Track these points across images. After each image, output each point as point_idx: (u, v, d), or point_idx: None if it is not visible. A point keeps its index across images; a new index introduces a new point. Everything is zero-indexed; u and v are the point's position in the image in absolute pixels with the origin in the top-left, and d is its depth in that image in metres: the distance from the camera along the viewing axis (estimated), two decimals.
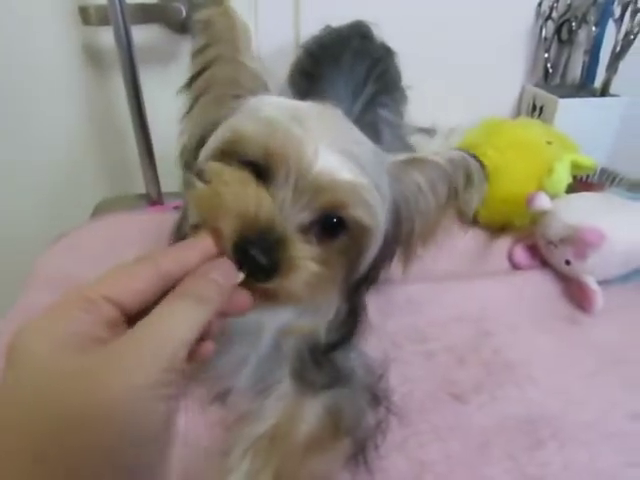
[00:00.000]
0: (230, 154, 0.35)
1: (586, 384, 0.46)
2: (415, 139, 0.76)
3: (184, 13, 0.83)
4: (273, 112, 0.35)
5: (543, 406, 0.43)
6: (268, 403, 0.40)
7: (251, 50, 0.40)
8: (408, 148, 0.73)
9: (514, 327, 0.52)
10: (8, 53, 0.83)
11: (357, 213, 0.35)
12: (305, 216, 0.33)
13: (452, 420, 0.42)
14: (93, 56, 0.87)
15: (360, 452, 0.38)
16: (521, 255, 0.62)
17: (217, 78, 0.40)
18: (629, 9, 0.76)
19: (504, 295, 0.56)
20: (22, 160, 0.88)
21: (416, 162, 0.40)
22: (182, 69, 0.93)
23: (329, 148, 0.33)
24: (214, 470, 0.36)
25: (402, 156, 0.40)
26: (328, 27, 0.66)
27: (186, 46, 0.89)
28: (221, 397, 0.42)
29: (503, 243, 0.65)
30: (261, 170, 0.34)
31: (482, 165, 0.40)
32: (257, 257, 0.30)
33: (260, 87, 0.39)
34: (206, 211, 0.33)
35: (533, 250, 0.63)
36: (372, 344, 0.47)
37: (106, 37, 0.84)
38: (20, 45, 0.84)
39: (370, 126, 0.61)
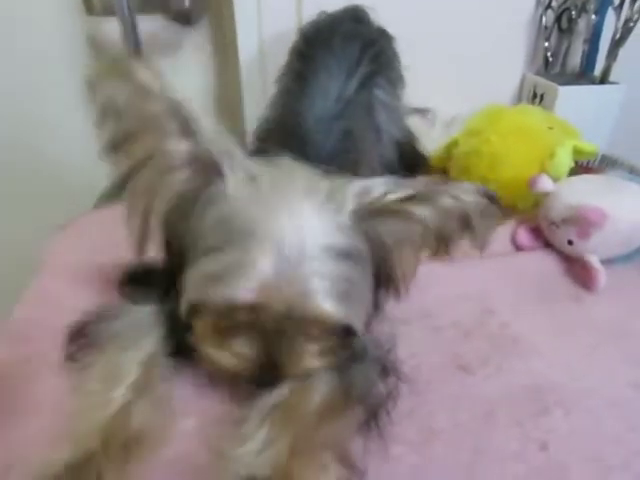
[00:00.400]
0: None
1: (589, 356, 0.46)
2: (412, 121, 0.77)
3: (187, 3, 0.84)
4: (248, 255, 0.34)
5: (547, 376, 0.44)
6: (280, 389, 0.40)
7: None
8: (404, 130, 0.74)
9: (518, 304, 0.53)
10: (11, 44, 0.84)
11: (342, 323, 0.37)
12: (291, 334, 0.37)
13: (459, 390, 0.43)
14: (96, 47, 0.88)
15: (372, 419, 0.38)
16: (524, 237, 0.63)
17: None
18: None
19: (507, 274, 0.57)
20: (25, 145, 0.89)
21: (388, 212, 0.38)
22: (184, 60, 0.94)
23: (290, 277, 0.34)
24: (230, 439, 0.37)
25: (370, 203, 0.37)
26: (323, 12, 0.67)
27: (188, 37, 0.91)
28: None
29: (506, 226, 0.66)
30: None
31: (492, 198, 0.38)
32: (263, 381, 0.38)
33: (213, 174, 0.36)
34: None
35: (536, 232, 0.64)
36: (379, 321, 0.48)
37: (109, 27, 0.85)
38: (23, 36, 0.85)
39: (365, 106, 0.62)
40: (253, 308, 0.35)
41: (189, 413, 0.40)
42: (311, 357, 0.38)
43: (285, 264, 0.34)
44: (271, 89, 0.70)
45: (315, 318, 0.36)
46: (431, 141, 0.81)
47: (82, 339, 0.44)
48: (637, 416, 0.40)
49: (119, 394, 0.39)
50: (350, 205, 0.37)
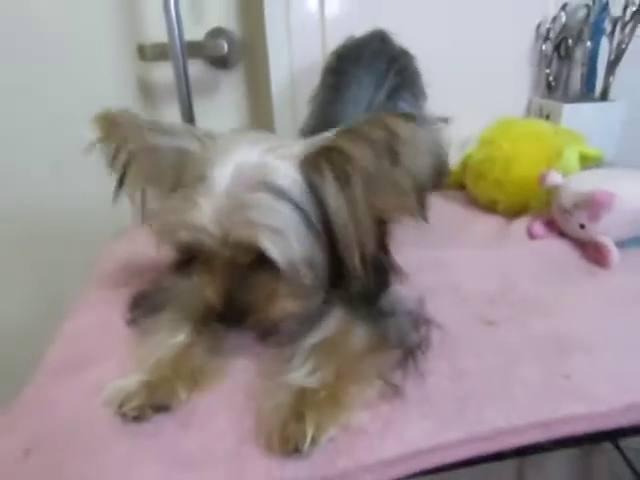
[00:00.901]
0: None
1: (608, 314, 0.50)
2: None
3: (226, 49, 0.96)
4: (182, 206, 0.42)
5: (567, 328, 0.48)
6: (323, 322, 0.45)
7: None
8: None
9: (537, 279, 0.57)
10: (70, 86, 0.96)
11: (255, 247, 0.40)
12: (243, 265, 0.42)
13: (485, 339, 0.47)
14: (146, 89, 1.00)
15: (409, 356, 0.42)
16: (539, 228, 0.68)
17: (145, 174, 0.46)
18: (619, 24, 0.87)
19: (526, 256, 0.62)
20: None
21: (327, 152, 0.42)
22: (221, 100, 1.05)
23: (218, 209, 0.40)
24: (280, 369, 0.41)
25: (312, 149, 0.42)
26: (351, 37, 0.76)
27: (225, 79, 1.02)
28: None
29: (522, 223, 0.72)
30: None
31: (408, 117, 0.40)
32: (228, 317, 0.43)
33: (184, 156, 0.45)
34: None
35: (550, 224, 0.69)
36: (408, 290, 0.52)
37: (158, 72, 0.98)
38: (83, 79, 0.96)
39: None
40: (202, 242, 0.41)
41: (241, 355, 0.45)
42: (271, 297, 0.43)
43: (224, 199, 0.40)
44: (300, 122, 0.79)
45: (248, 245, 0.40)
46: (450, 158, 0.89)
47: (142, 307, 0.51)
48: None
49: (181, 339, 0.45)
50: (294, 155, 0.42)
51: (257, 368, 0.44)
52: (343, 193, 0.41)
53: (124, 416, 0.38)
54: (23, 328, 1.08)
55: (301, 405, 0.36)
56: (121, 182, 0.47)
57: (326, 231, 0.42)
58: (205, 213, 0.40)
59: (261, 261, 0.41)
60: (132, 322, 0.51)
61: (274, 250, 0.40)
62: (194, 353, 0.44)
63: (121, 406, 0.38)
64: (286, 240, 0.40)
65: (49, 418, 0.39)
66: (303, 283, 0.43)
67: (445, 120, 0.82)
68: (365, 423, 0.37)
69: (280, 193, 0.41)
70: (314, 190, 0.42)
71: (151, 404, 0.38)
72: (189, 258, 0.45)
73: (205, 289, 0.44)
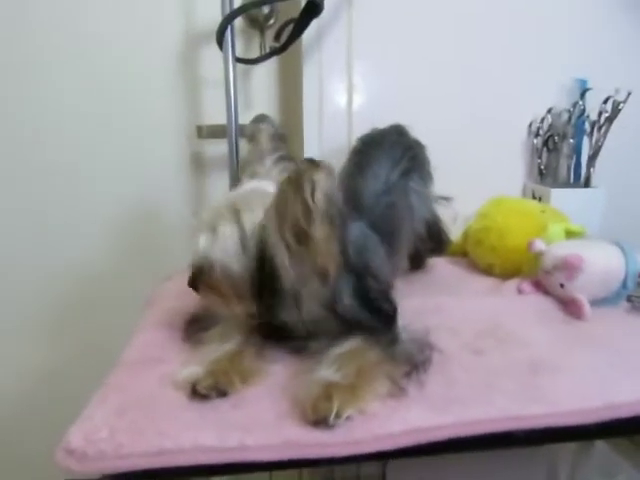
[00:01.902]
0: None
1: (575, 350, 0.61)
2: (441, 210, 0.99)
3: None
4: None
5: (542, 357, 0.59)
6: (346, 341, 0.57)
7: None
8: (431, 212, 0.95)
9: (521, 322, 0.69)
10: (135, 160, 1.16)
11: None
12: None
13: (473, 362, 0.58)
14: (199, 162, 1.19)
15: (414, 370, 0.54)
16: (527, 286, 0.81)
17: None
18: (596, 126, 1.04)
19: (513, 305, 0.75)
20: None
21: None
22: None
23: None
24: (308, 372, 0.53)
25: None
26: (375, 128, 0.94)
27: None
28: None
29: (513, 282, 0.84)
30: None
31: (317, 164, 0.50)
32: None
33: None
34: None
35: (537, 284, 0.81)
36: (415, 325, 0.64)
37: (212, 148, 1.17)
38: (147, 153, 1.17)
39: (403, 191, 0.84)
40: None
41: (279, 361, 0.57)
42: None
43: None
44: None
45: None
46: (454, 232, 1.03)
47: (194, 326, 0.64)
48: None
49: (230, 346, 0.57)
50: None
51: (292, 370, 0.56)
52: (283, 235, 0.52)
53: (195, 393, 0.50)
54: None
55: (329, 390, 0.48)
56: None
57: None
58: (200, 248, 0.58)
59: None
60: (187, 337, 0.64)
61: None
62: (243, 356, 0.56)
63: (194, 385, 0.50)
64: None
65: (131, 394, 0.51)
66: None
67: (447, 199, 0.98)
68: (377, 410, 0.48)
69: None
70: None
71: (216, 388, 0.50)
72: None
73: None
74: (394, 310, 0.62)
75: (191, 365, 0.54)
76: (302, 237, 0.50)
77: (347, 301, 0.58)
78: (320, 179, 0.49)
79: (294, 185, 0.50)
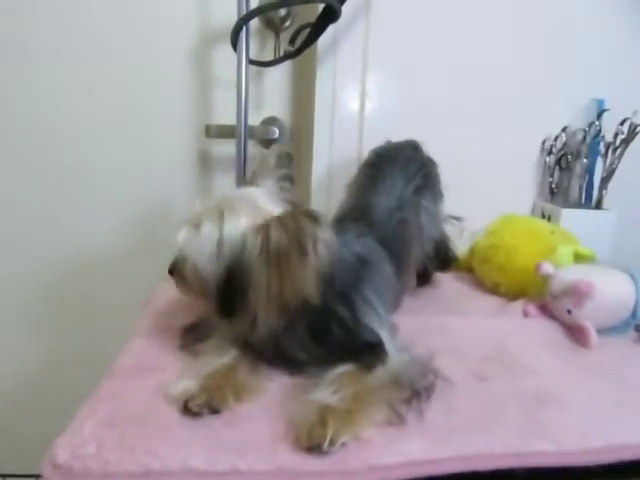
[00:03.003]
0: None
1: (581, 381, 0.60)
2: (449, 228, 0.98)
3: (277, 134, 1.14)
4: None
5: (547, 387, 0.57)
6: (345, 365, 0.55)
7: None
8: (440, 232, 0.93)
9: (526, 348, 0.67)
10: (144, 157, 1.15)
11: None
12: None
13: (477, 390, 0.56)
14: (206, 161, 1.18)
15: (415, 397, 0.52)
16: (533, 310, 0.79)
17: None
18: (611, 147, 1.02)
19: (518, 329, 0.73)
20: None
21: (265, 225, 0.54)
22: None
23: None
24: (305, 392, 0.52)
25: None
26: (389, 141, 0.92)
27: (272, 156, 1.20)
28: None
29: (519, 304, 0.82)
30: None
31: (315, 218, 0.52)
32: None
33: None
34: None
35: (543, 308, 0.79)
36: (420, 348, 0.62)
37: (219, 147, 1.16)
38: (155, 151, 1.15)
39: (414, 208, 0.83)
40: None
41: (276, 378, 0.56)
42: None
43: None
44: (335, 203, 0.93)
45: None
46: (460, 247, 1.01)
47: (191, 335, 0.63)
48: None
49: (225, 360, 0.56)
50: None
51: (287, 389, 0.54)
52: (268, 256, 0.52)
53: (187, 410, 0.48)
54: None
55: (325, 414, 0.46)
56: None
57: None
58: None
59: None
60: (184, 346, 0.62)
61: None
62: (238, 371, 0.54)
63: (186, 402, 0.48)
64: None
65: (123, 405, 0.50)
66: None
67: (458, 219, 0.96)
68: (373, 437, 0.47)
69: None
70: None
71: (208, 405, 0.49)
72: None
73: None
74: (378, 340, 0.59)
75: (185, 379, 0.52)
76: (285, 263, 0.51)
77: (336, 330, 0.57)
78: (323, 235, 0.51)
79: (296, 243, 0.51)
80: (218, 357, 0.57)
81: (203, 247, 0.56)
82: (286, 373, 0.57)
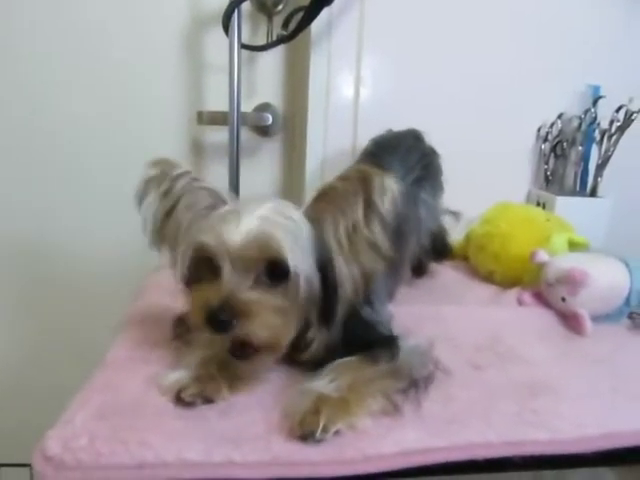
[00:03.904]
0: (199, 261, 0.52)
1: (575, 369, 0.60)
2: (446, 219, 0.97)
3: (270, 121, 1.12)
4: (214, 220, 0.51)
5: (541, 376, 0.57)
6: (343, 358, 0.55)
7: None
8: (438, 224, 0.93)
9: (521, 337, 0.67)
10: (134, 145, 1.12)
11: (273, 254, 0.48)
12: (249, 276, 0.49)
13: (472, 379, 0.56)
14: (199, 148, 1.16)
15: (413, 387, 0.52)
16: (528, 298, 0.79)
17: (181, 214, 0.54)
18: (606, 134, 1.02)
19: (513, 317, 0.73)
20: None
21: (322, 195, 0.52)
22: (262, 163, 1.20)
23: (247, 223, 0.49)
24: (305, 380, 0.51)
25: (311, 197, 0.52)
26: (390, 130, 0.91)
27: (266, 146, 1.18)
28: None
29: (514, 292, 0.82)
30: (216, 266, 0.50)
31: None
32: (219, 316, 0.47)
33: (218, 201, 0.55)
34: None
35: (538, 296, 0.79)
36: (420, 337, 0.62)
37: (212, 134, 1.14)
38: (146, 137, 1.13)
39: (413, 200, 0.81)
40: (212, 255, 0.49)
41: (271, 370, 0.55)
42: (263, 307, 0.48)
43: (249, 217, 0.49)
44: None
45: (250, 245, 0.48)
46: (455, 234, 1.01)
47: (184, 325, 0.61)
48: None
49: (219, 350, 0.55)
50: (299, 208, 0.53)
51: (284, 379, 0.54)
52: (337, 230, 0.50)
53: (180, 401, 0.48)
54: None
55: (318, 403, 0.46)
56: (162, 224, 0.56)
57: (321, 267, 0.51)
58: (231, 222, 0.49)
59: (268, 274, 0.49)
60: (176, 337, 0.61)
61: (290, 255, 0.48)
62: (232, 361, 0.54)
63: (179, 392, 0.48)
64: (298, 252, 0.49)
65: (115, 396, 0.49)
66: (296, 303, 0.50)
67: (456, 214, 0.95)
68: (369, 427, 0.46)
69: (294, 222, 0.51)
70: (315, 231, 0.51)
71: (201, 395, 0.48)
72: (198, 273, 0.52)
73: (208, 290, 0.49)
74: (391, 334, 0.59)
75: (177, 369, 0.52)
76: (355, 238, 0.50)
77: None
78: (391, 185, 0.50)
79: (362, 183, 0.49)
80: (211, 347, 0.56)
81: (305, 252, 0.50)
82: (285, 362, 0.57)
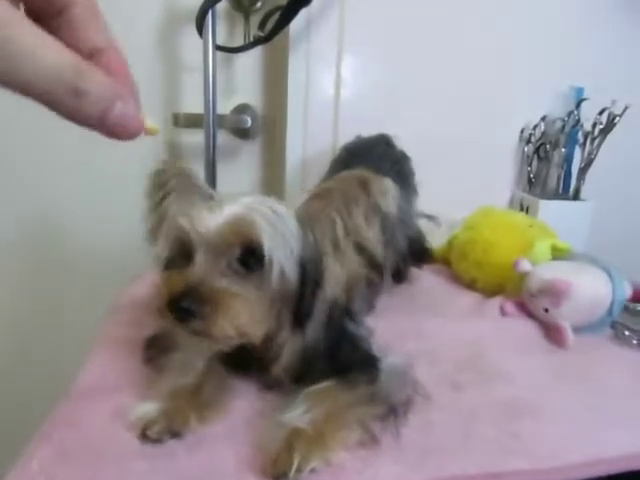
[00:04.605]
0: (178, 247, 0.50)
1: (558, 386, 0.59)
2: (423, 223, 0.95)
3: (249, 123, 1.09)
4: (197, 207, 0.50)
5: (523, 396, 0.56)
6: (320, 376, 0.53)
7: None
8: (414, 229, 0.91)
9: (502, 351, 0.66)
10: (106, 148, 1.08)
11: (248, 237, 0.47)
12: (222, 262, 0.47)
13: (451, 400, 0.55)
14: (175, 151, 1.13)
15: (391, 413, 0.50)
16: (510, 308, 0.78)
17: (169, 205, 0.54)
18: (589, 137, 1.01)
19: (495, 331, 0.71)
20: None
21: (316, 196, 0.51)
22: (241, 166, 1.17)
23: (227, 209, 0.48)
24: (278, 410, 0.49)
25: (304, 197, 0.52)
26: (359, 136, 0.89)
27: (246, 148, 1.15)
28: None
29: (496, 301, 0.81)
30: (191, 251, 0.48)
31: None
32: (180, 303, 0.44)
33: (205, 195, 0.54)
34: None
35: (521, 305, 0.78)
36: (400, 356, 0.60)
37: (188, 137, 1.10)
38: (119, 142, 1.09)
39: None
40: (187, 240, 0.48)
41: (244, 397, 0.53)
42: (233, 297, 0.46)
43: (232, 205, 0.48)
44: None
45: (227, 229, 0.47)
46: (438, 238, 0.99)
47: (155, 348, 0.59)
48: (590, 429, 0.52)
49: (189, 379, 0.52)
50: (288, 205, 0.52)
51: (257, 408, 0.51)
52: (334, 231, 0.49)
53: (146, 438, 0.45)
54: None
55: (292, 439, 0.44)
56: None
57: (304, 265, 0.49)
58: (212, 208, 0.48)
59: (242, 262, 0.47)
60: (147, 361, 0.59)
61: (266, 242, 0.46)
62: (203, 389, 0.51)
63: (144, 430, 0.45)
64: (277, 242, 0.47)
65: (79, 431, 0.46)
66: (268, 295, 0.48)
67: (432, 218, 0.94)
68: (345, 462, 0.44)
69: (277, 214, 0.49)
70: (306, 230, 0.50)
71: (168, 430, 0.46)
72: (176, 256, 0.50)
73: (177, 275, 0.47)
74: (372, 353, 0.57)
75: (145, 401, 0.49)
76: (350, 240, 0.49)
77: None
78: (390, 187, 0.49)
79: (362, 187, 0.49)
80: (183, 373, 0.53)
81: (286, 243, 0.48)
82: (257, 389, 0.55)
